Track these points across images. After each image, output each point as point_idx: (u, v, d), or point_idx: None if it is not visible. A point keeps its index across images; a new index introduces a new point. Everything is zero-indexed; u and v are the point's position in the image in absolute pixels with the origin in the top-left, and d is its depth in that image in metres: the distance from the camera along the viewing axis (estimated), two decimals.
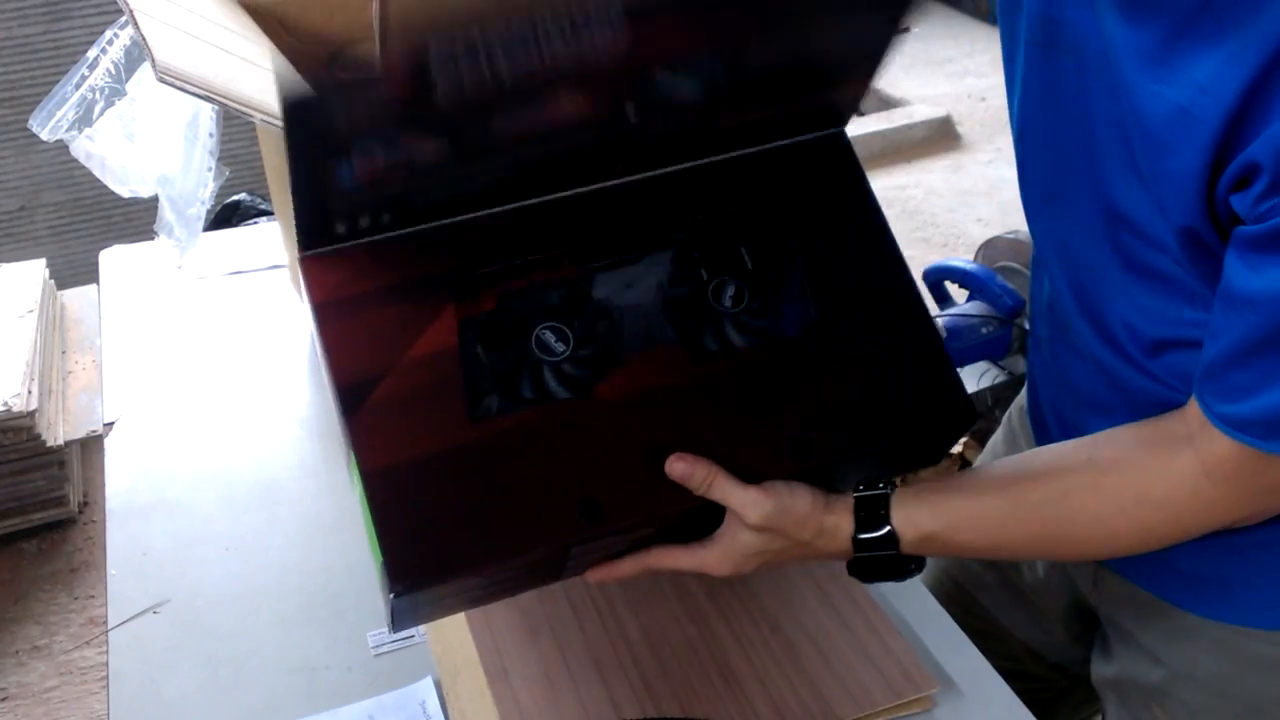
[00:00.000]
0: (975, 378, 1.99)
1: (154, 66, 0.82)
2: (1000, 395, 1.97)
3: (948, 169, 3.87)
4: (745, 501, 0.78)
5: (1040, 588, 1.08)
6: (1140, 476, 0.77)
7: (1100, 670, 1.03)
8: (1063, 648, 1.10)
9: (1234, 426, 0.71)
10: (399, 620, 0.77)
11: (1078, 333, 0.89)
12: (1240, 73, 0.65)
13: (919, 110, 4.10)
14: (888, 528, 0.81)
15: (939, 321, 1.95)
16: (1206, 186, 0.69)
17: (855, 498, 0.81)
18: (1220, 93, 0.66)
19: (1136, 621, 0.97)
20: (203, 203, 1.28)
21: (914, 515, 0.81)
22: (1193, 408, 0.75)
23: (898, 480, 0.83)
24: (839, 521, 0.81)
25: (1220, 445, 0.72)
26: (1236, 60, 0.66)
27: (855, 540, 0.81)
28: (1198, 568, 0.90)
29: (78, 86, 1.24)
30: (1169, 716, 0.96)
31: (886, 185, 3.69)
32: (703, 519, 0.80)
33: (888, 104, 4.20)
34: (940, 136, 4.05)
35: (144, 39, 0.86)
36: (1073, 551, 0.88)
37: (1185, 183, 0.70)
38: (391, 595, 0.72)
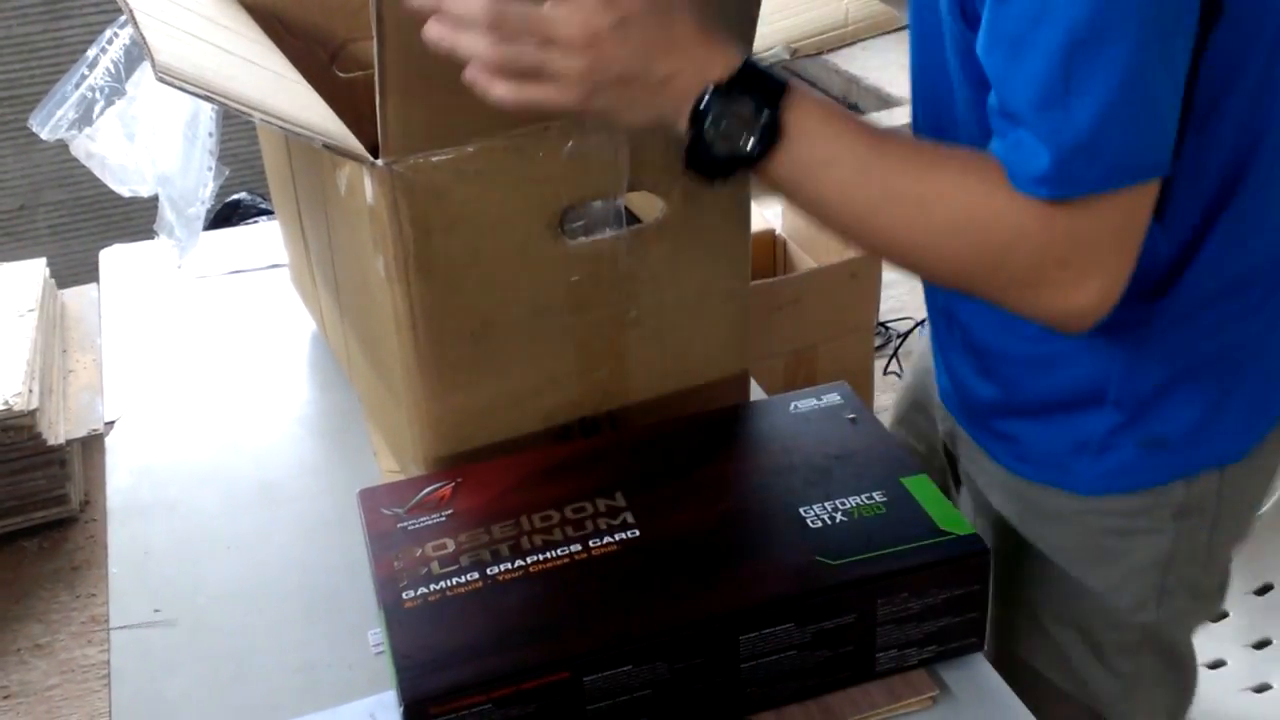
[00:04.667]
0: None
1: (153, 66, 0.82)
2: None
3: None
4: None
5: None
6: (978, 178, 0.77)
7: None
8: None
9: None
10: None
11: None
12: None
13: None
14: (776, 85, 0.75)
15: None
16: None
17: (747, 60, 0.76)
18: None
19: (973, 463, 1.07)
20: (202, 202, 1.28)
21: (806, 101, 0.76)
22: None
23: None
24: (714, 56, 0.75)
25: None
26: None
27: (722, 87, 0.75)
28: (998, 420, 1.01)
29: (77, 86, 1.24)
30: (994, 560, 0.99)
31: None
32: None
33: (887, 102, 4.19)
34: None
35: (143, 38, 0.86)
36: (893, 234, 0.81)
37: None
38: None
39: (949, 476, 1.18)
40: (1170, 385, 0.91)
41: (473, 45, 0.75)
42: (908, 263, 0.83)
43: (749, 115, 0.75)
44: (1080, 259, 0.76)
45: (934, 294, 1.05)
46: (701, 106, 0.75)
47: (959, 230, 0.77)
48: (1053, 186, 0.73)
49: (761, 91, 0.76)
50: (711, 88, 0.75)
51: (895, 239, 0.80)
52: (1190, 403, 0.92)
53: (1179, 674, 1.05)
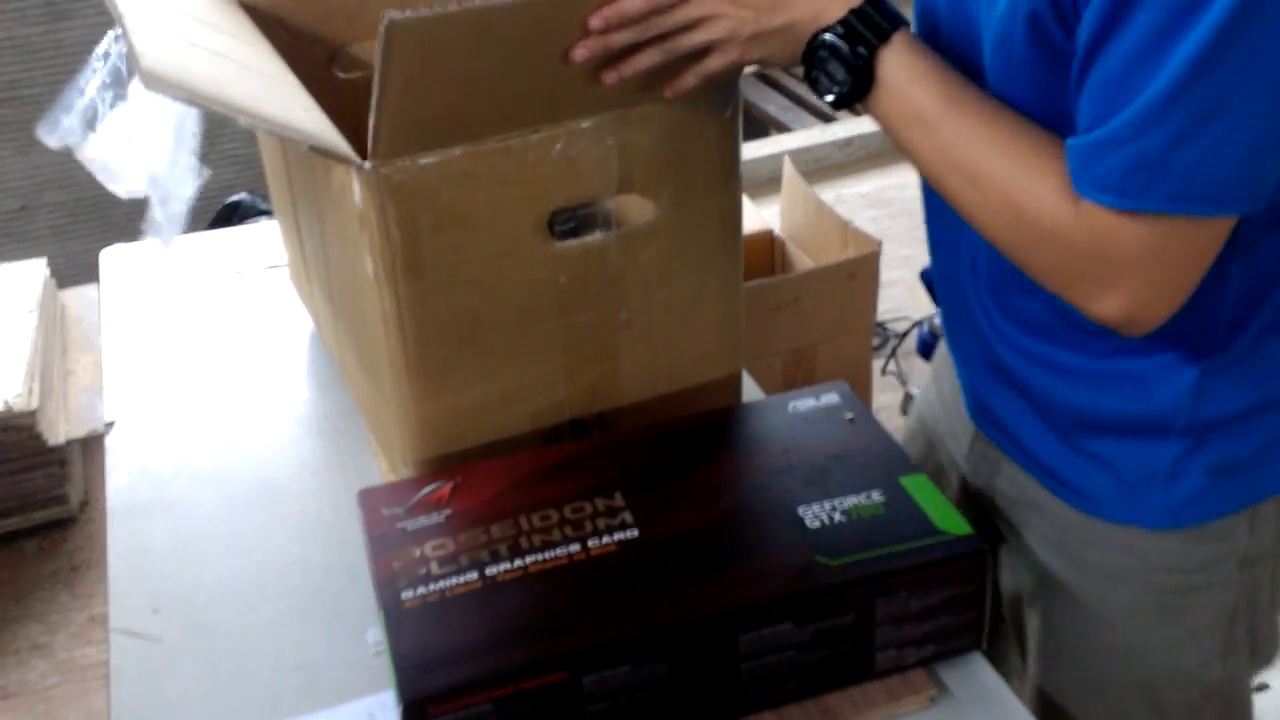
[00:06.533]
0: None
1: (139, 72, 0.82)
2: None
3: None
4: None
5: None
6: (1033, 169, 0.80)
7: (1006, 586, 1.08)
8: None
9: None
10: None
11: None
12: None
13: None
14: (887, 26, 0.82)
15: (936, 321, 1.95)
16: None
17: (865, 1, 0.83)
18: None
19: (1020, 518, 1.03)
20: (182, 201, 1.28)
21: (904, 53, 0.82)
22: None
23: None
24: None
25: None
26: None
27: (835, 29, 0.82)
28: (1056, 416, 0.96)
29: (83, 92, 1.24)
30: (1041, 619, 1.03)
31: (886, 184, 3.69)
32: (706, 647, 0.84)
33: None
34: None
35: (130, 44, 0.86)
36: (956, 198, 0.85)
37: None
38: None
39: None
40: (1247, 413, 0.90)
41: (629, 39, 0.86)
42: (973, 227, 0.86)
43: (849, 61, 0.83)
44: (1099, 271, 0.78)
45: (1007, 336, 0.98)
46: (812, 49, 0.84)
47: (1005, 211, 0.81)
48: (1115, 196, 0.74)
49: (862, 39, 0.82)
50: (820, 32, 0.83)
51: (958, 203, 0.84)
52: (1262, 428, 0.91)
53: None
